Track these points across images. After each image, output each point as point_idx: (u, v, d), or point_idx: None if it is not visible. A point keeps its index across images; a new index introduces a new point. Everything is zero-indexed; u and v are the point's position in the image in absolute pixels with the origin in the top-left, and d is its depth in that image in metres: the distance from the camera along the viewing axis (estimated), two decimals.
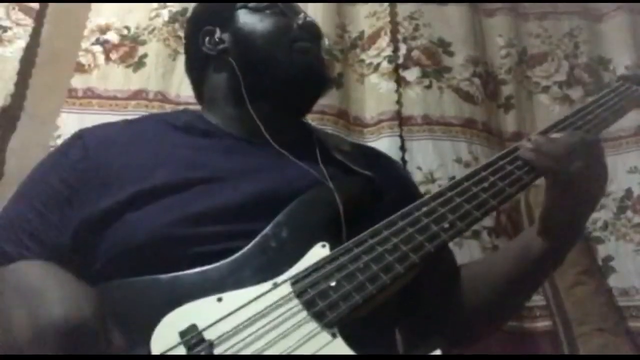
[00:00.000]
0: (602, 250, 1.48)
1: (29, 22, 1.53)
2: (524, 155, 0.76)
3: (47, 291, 0.52)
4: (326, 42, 0.99)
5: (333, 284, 0.64)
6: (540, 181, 0.79)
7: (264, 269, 0.67)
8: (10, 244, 0.75)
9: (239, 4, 0.94)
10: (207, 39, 0.93)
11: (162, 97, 1.51)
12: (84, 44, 1.56)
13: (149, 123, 0.93)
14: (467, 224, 0.71)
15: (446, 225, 0.70)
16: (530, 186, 0.78)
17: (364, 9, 1.74)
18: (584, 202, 0.78)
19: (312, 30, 0.93)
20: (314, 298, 0.63)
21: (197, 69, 0.98)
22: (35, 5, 1.56)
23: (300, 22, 0.91)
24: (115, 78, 1.53)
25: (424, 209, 0.72)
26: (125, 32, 1.59)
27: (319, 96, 0.95)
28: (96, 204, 0.76)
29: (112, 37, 1.58)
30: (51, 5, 1.58)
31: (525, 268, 0.81)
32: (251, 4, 0.93)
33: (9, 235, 0.76)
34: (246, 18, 0.92)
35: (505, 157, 0.78)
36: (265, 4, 0.93)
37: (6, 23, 1.52)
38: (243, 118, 0.87)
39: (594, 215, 1.51)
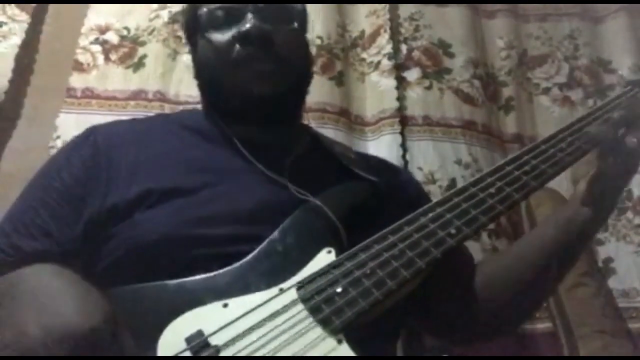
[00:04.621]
0: (602, 252, 1.48)
1: (24, 17, 1.52)
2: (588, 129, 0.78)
3: (60, 297, 0.53)
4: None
5: (339, 290, 0.64)
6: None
7: (270, 274, 0.68)
8: (22, 238, 0.76)
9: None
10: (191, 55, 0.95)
11: (161, 97, 1.50)
12: (82, 42, 1.55)
13: (159, 122, 0.93)
14: (473, 229, 0.71)
15: (453, 230, 0.70)
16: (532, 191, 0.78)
17: (364, 8, 1.74)
18: (628, 172, 0.80)
19: (252, 41, 0.82)
20: (319, 304, 0.63)
21: None
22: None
23: (241, 33, 0.82)
24: (114, 78, 1.52)
25: (430, 214, 0.72)
26: (124, 33, 1.59)
27: (274, 114, 0.86)
28: (105, 200, 0.76)
29: (111, 37, 1.57)
30: (50, 6, 1.57)
31: (573, 237, 0.81)
32: (202, 24, 0.87)
33: (20, 230, 0.76)
34: (201, 42, 0.89)
35: (512, 163, 0.78)
36: (209, 20, 0.87)
37: (1, 18, 1.50)
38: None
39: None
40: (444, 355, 0.98)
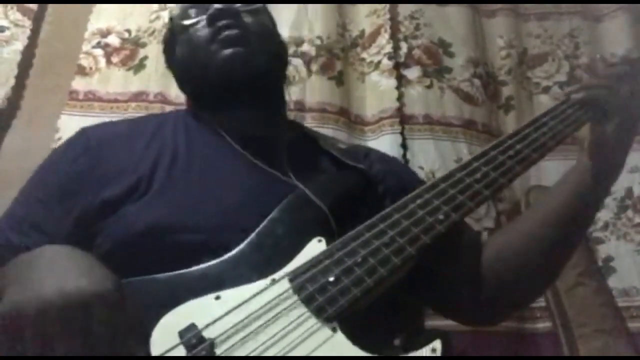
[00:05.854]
0: (602, 251, 1.47)
1: (27, 23, 1.53)
2: (576, 95, 0.80)
3: (74, 267, 0.57)
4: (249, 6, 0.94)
5: (331, 278, 0.64)
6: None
7: (261, 265, 0.68)
8: (14, 234, 0.79)
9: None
10: (166, 55, 1.00)
11: (163, 98, 1.51)
12: (85, 47, 1.56)
13: (149, 121, 0.95)
14: (461, 214, 0.72)
15: (441, 216, 0.71)
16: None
17: (364, 7, 1.74)
18: (628, 130, 0.80)
19: (219, 16, 0.88)
20: (313, 293, 0.63)
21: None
22: (34, 6, 1.56)
23: (209, 15, 0.89)
24: (116, 81, 1.53)
25: (418, 201, 0.73)
26: (126, 35, 1.60)
27: (257, 79, 0.89)
28: (96, 196, 0.79)
29: (113, 40, 1.58)
30: (50, 6, 1.58)
31: (585, 199, 0.80)
32: (174, 20, 0.95)
33: (13, 226, 0.80)
34: (178, 47, 0.94)
35: (497, 147, 0.79)
36: (184, 15, 0.93)
37: (4, 23, 1.52)
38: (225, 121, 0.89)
39: None
40: (442, 355, 0.98)
